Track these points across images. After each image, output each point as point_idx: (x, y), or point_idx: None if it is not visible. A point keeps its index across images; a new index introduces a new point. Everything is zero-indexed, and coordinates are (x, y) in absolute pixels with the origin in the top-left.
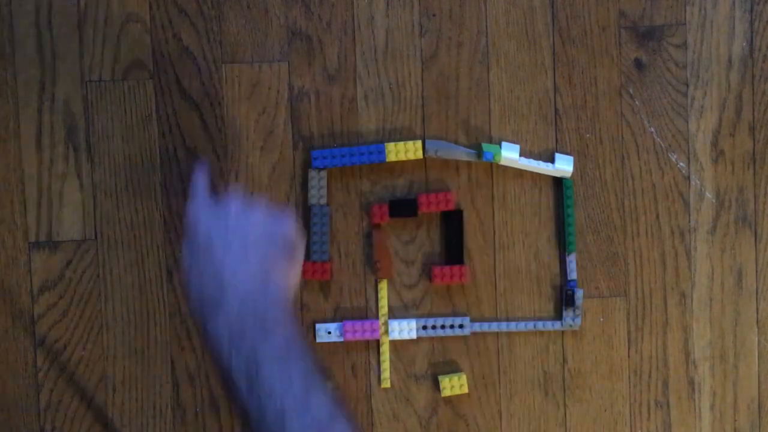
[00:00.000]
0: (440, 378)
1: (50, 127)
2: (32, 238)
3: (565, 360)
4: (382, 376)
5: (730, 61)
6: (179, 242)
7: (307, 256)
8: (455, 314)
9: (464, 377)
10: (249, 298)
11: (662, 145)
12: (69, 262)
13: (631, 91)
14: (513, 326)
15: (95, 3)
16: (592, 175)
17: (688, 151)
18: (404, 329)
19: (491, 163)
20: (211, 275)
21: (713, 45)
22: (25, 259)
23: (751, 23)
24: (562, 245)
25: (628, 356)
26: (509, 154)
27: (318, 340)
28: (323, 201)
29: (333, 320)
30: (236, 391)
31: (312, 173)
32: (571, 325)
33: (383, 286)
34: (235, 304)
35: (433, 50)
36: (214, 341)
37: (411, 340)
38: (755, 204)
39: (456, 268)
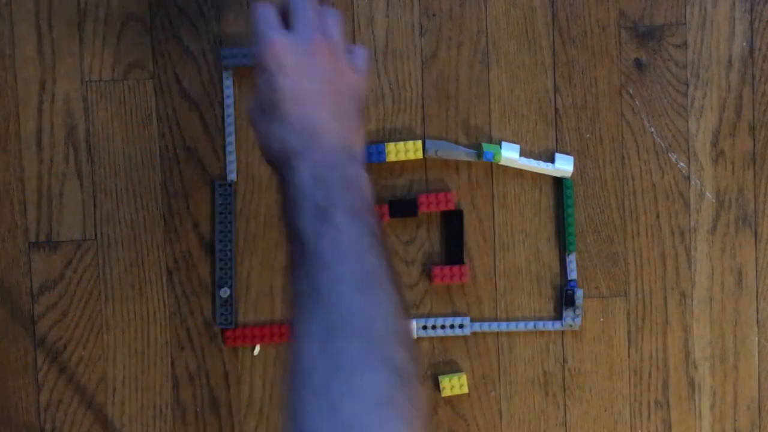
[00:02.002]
0: (440, 378)
1: (50, 127)
2: (32, 238)
3: (565, 360)
4: None
5: (730, 61)
6: (178, 243)
7: None
8: (455, 314)
9: (464, 377)
10: (335, 150)
11: (662, 145)
12: (69, 262)
13: (631, 91)
14: (513, 326)
15: (95, 3)
16: (592, 175)
17: (688, 151)
18: None
19: (491, 163)
20: (300, 125)
21: (713, 45)
22: (25, 259)
23: (751, 23)
24: (562, 245)
25: (628, 356)
26: (509, 154)
27: None
28: None
29: None
30: (300, 233)
31: None
32: (571, 325)
33: None
34: (323, 153)
35: (433, 50)
36: (294, 187)
37: None
38: (755, 204)
39: (456, 268)
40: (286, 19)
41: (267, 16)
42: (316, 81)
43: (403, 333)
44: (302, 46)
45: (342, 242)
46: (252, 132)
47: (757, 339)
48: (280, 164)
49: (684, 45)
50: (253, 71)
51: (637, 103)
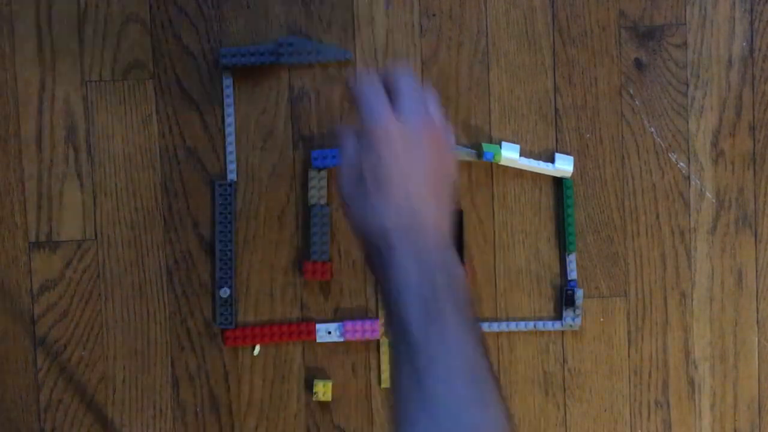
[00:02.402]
0: None
1: (50, 127)
2: (32, 238)
3: (565, 360)
4: (382, 376)
5: (730, 61)
6: (178, 243)
7: (307, 256)
8: None
9: None
10: (436, 235)
11: (662, 145)
12: (69, 262)
13: (631, 91)
14: (513, 326)
15: (95, 3)
16: (592, 175)
17: (688, 151)
18: None
19: (491, 163)
20: (403, 204)
21: (713, 45)
22: (25, 259)
23: (751, 23)
24: (562, 245)
25: (628, 356)
26: (509, 154)
27: (318, 340)
28: (323, 201)
29: (333, 320)
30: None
31: (312, 173)
32: (571, 325)
33: None
34: (426, 238)
35: (433, 50)
36: (398, 272)
37: None
38: (755, 204)
39: None
40: (388, 93)
41: (376, 94)
42: (422, 164)
43: (512, 425)
44: (412, 129)
45: (451, 339)
46: (345, 207)
47: (757, 339)
48: (378, 244)
49: (684, 45)
50: (343, 143)
51: (637, 103)
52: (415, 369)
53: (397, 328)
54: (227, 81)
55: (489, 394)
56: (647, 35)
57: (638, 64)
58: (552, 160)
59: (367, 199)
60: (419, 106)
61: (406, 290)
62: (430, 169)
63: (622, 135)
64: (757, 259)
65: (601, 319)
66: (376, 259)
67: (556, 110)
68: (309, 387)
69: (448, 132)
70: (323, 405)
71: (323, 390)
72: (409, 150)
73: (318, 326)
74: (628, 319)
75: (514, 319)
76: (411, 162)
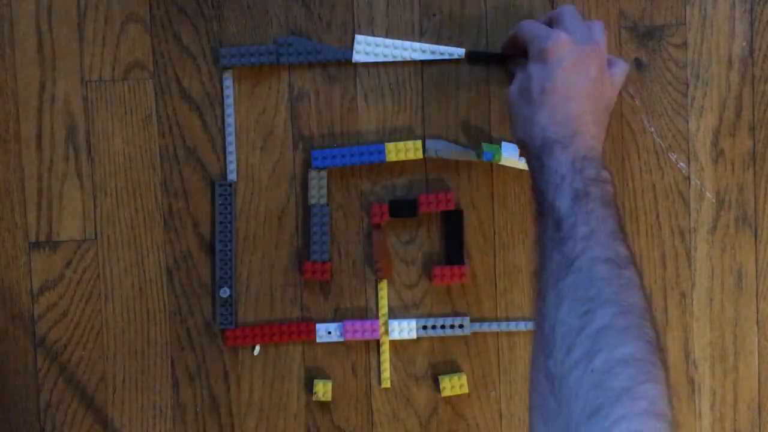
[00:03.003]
0: (440, 378)
1: (50, 127)
2: (32, 238)
3: None
4: (382, 376)
5: (730, 61)
6: (178, 243)
7: (307, 256)
8: (455, 314)
9: (464, 377)
10: (590, 147)
11: (662, 145)
12: (69, 262)
13: (631, 91)
14: (513, 326)
15: (95, 3)
16: None
17: (688, 151)
18: (404, 329)
19: (491, 163)
20: (564, 117)
21: (713, 45)
22: (25, 259)
23: (751, 23)
24: None
25: None
26: (509, 154)
27: (318, 340)
28: (323, 201)
29: (333, 320)
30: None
31: (312, 173)
32: None
33: (383, 286)
34: (581, 148)
35: None
36: (554, 173)
37: (411, 340)
38: (755, 204)
39: (456, 268)
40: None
41: (538, 23)
42: (586, 81)
43: (651, 311)
44: (581, 47)
45: (595, 224)
46: (510, 114)
47: (757, 339)
48: (539, 149)
49: (684, 45)
50: (515, 64)
51: (637, 103)
52: (560, 246)
53: (547, 216)
54: (227, 81)
55: (629, 276)
56: (647, 35)
57: (638, 64)
58: None
59: (532, 112)
60: (583, 29)
61: (561, 184)
62: (593, 91)
63: (622, 135)
64: (757, 259)
65: None
66: (536, 162)
67: None
68: (309, 387)
69: (616, 66)
70: (323, 405)
71: (323, 390)
72: (577, 66)
73: (318, 326)
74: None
75: (514, 319)
76: (577, 78)
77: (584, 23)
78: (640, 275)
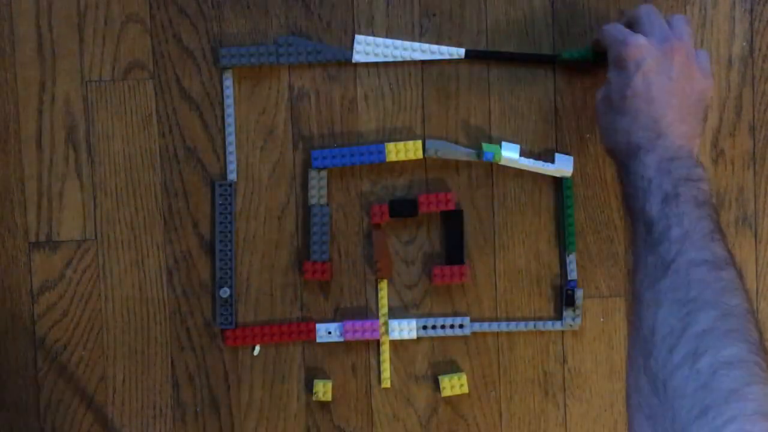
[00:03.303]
0: (440, 378)
1: (50, 127)
2: (32, 238)
3: (565, 360)
4: (382, 376)
5: (730, 61)
6: (178, 243)
7: (307, 256)
8: (455, 314)
9: (464, 377)
10: (677, 149)
11: None
12: (69, 262)
13: None
14: (513, 326)
15: (95, 3)
16: (592, 175)
17: None
18: (404, 329)
19: (491, 163)
20: (647, 121)
21: (713, 45)
22: (25, 259)
23: (751, 23)
24: (562, 245)
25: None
26: (509, 154)
27: (318, 340)
28: (323, 201)
29: (333, 320)
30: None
31: (312, 173)
32: (571, 325)
33: (383, 286)
34: (667, 150)
35: None
36: (641, 178)
37: (411, 340)
38: (755, 204)
39: (456, 268)
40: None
41: (618, 27)
42: (667, 81)
43: (753, 312)
44: (659, 48)
45: (689, 226)
46: (597, 122)
47: None
48: (624, 155)
49: None
50: (606, 67)
51: None
52: (654, 250)
53: (638, 220)
54: (227, 81)
55: (728, 277)
56: None
57: None
58: (552, 160)
59: (615, 119)
60: (662, 27)
61: (648, 188)
62: (678, 89)
63: None
64: (757, 259)
65: (601, 319)
66: (623, 168)
67: (556, 110)
68: (309, 387)
69: (701, 57)
70: (323, 405)
71: (323, 390)
72: (657, 69)
73: (318, 326)
74: (629, 319)
75: (514, 319)
76: (658, 80)
77: (663, 20)
78: (741, 275)
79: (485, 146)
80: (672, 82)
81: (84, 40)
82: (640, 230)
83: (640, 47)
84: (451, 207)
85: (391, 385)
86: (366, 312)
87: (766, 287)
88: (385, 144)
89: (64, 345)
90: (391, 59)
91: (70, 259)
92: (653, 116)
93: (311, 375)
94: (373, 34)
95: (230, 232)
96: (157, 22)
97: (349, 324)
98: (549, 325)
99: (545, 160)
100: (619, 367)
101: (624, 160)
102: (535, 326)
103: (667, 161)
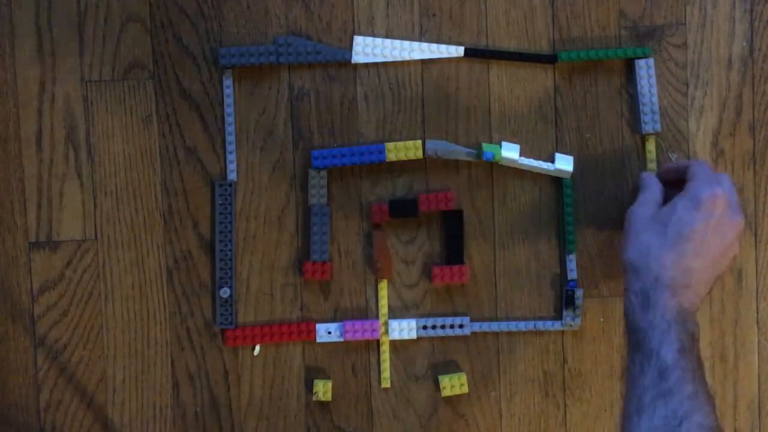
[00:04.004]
0: (440, 378)
1: (50, 127)
2: (32, 238)
3: (565, 360)
4: (382, 376)
5: (730, 61)
6: (178, 243)
7: (307, 256)
8: (455, 314)
9: (464, 377)
10: (694, 303)
11: (662, 145)
12: (69, 262)
13: (631, 91)
14: (513, 326)
15: (95, 3)
16: (592, 175)
17: (688, 151)
18: (404, 329)
19: (491, 163)
20: (687, 268)
21: (713, 45)
22: (25, 259)
23: (751, 23)
24: (562, 245)
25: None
26: (509, 154)
27: (318, 340)
28: (323, 201)
29: (333, 320)
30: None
31: (312, 173)
32: (571, 325)
33: (383, 286)
34: (688, 301)
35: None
36: (655, 311)
37: (411, 340)
38: (755, 204)
39: (456, 268)
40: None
41: (706, 166)
42: (719, 246)
43: None
44: (731, 214)
45: (698, 386)
46: (626, 230)
47: (757, 339)
48: (647, 282)
49: (684, 45)
50: (649, 184)
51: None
52: (666, 389)
53: (648, 358)
54: (227, 81)
55: (719, 430)
56: (647, 35)
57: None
58: (552, 160)
59: (658, 245)
60: (737, 200)
61: (666, 334)
62: (719, 255)
63: (622, 135)
64: (757, 259)
65: (601, 319)
66: (640, 293)
67: (556, 110)
68: (309, 387)
69: (740, 217)
70: (323, 405)
71: (323, 390)
72: (716, 231)
73: (318, 326)
74: None
75: (514, 319)
76: (712, 241)
77: (715, 178)
78: (712, 402)
79: (485, 146)
80: (719, 249)
81: (84, 40)
82: (650, 371)
83: (722, 202)
84: (451, 207)
85: (391, 385)
86: (366, 312)
87: (766, 287)
88: (385, 144)
89: (64, 345)
90: (390, 59)
91: (70, 259)
92: (693, 267)
93: (311, 375)
94: (373, 34)
95: (230, 232)
96: (157, 22)
97: (349, 324)
98: (549, 325)
99: (545, 160)
100: (619, 367)
101: (646, 287)
102: (535, 326)
103: (683, 312)
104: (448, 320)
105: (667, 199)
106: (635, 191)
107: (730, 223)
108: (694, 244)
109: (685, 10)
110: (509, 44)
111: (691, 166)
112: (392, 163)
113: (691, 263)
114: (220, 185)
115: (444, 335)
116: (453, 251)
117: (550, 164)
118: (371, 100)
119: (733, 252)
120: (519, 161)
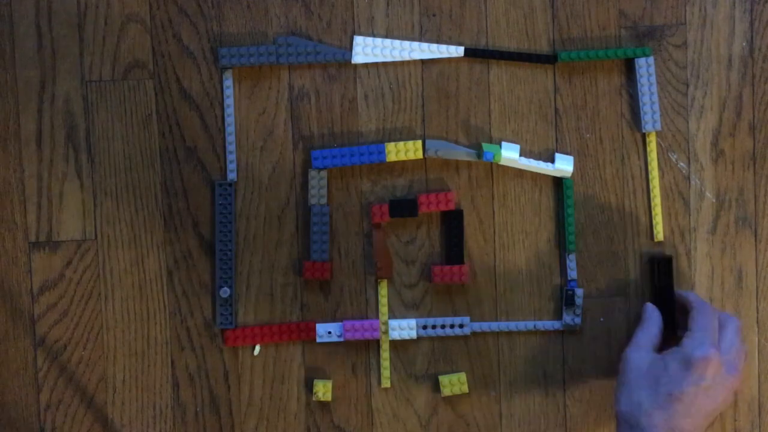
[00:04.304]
0: (440, 378)
1: (50, 127)
2: (32, 238)
3: (565, 360)
4: (382, 376)
5: (730, 61)
6: (178, 243)
7: (307, 256)
8: (455, 314)
9: (464, 377)
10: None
11: (662, 145)
12: (69, 262)
13: (631, 91)
14: (513, 326)
15: (95, 3)
16: (592, 175)
17: (688, 151)
18: (404, 329)
19: (491, 163)
20: (675, 427)
21: (713, 45)
22: (25, 259)
23: (751, 23)
24: (562, 245)
25: None
26: (509, 154)
27: (318, 340)
28: (323, 201)
29: (333, 320)
30: None
31: (312, 173)
32: (571, 325)
33: (383, 286)
34: None
35: None
36: None
37: (411, 340)
38: (755, 204)
39: (456, 267)
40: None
41: (710, 316)
42: (712, 404)
43: None
44: (724, 375)
45: None
46: (621, 375)
47: (757, 339)
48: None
49: (684, 45)
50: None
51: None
52: None
53: None
54: (227, 81)
55: None
56: (647, 35)
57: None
58: (552, 160)
59: (649, 401)
60: (736, 353)
61: None
62: (712, 411)
63: (622, 135)
64: (757, 259)
65: (601, 319)
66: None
67: (556, 110)
68: (309, 387)
69: (736, 369)
70: (323, 405)
71: (323, 390)
72: (707, 393)
73: (318, 326)
74: (628, 319)
75: (514, 319)
76: (703, 402)
77: (741, 344)
78: None
79: (485, 146)
80: (711, 407)
81: (84, 40)
82: None
83: (713, 365)
84: (451, 207)
85: (391, 385)
86: (366, 312)
87: (766, 287)
88: (385, 144)
89: (64, 345)
90: (390, 59)
91: (70, 259)
92: (682, 427)
93: (311, 375)
94: (373, 34)
95: (230, 232)
96: (157, 22)
97: (349, 324)
98: (549, 325)
99: (545, 160)
100: (618, 367)
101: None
102: (535, 326)
103: None
104: (448, 320)
105: (677, 324)
106: (637, 319)
107: (723, 384)
108: (684, 405)
109: (685, 10)
110: (509, 44)
111: (692, 310)
112: (392, 163)
113: (681, 423)
114: (220, 185)
115: (444, 335)
116: (453, 251)
117: (550, 164)
118: (371, 100)
119: (726, 405)
120: (519, 161)
